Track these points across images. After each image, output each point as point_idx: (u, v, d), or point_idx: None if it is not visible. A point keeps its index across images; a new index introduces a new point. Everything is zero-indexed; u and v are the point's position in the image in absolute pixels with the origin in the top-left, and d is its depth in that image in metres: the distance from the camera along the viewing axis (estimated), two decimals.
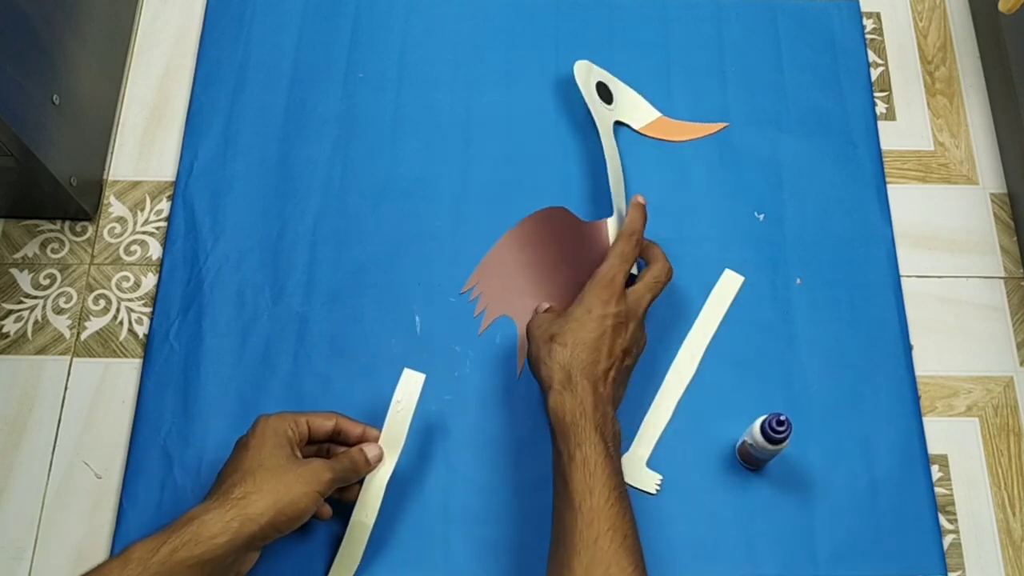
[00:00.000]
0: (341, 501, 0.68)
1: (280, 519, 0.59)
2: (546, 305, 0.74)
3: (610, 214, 0.78)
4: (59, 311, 0.79)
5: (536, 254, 0.79)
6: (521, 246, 0.79)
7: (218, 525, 0.56)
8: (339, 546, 0.68)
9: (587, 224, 0.78)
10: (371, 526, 0.68)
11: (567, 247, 0.78)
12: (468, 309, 0.78)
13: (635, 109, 0.86)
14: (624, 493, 0.60)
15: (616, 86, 0.86)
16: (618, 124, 0.84)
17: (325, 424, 0.67)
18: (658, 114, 0.86)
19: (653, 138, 0.85)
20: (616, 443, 0.63)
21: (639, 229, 0.71)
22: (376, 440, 0.68)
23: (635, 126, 0.85)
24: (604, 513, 0.58)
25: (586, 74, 0.83)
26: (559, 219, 0.80)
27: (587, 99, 0.82)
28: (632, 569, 0.57)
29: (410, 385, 0.68)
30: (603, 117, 0.82)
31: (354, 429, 0.67)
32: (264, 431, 0.63)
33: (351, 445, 0.67)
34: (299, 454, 0.64)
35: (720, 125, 0.85)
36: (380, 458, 0.67)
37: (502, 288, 0.78)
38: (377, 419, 0.73)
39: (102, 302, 0.79)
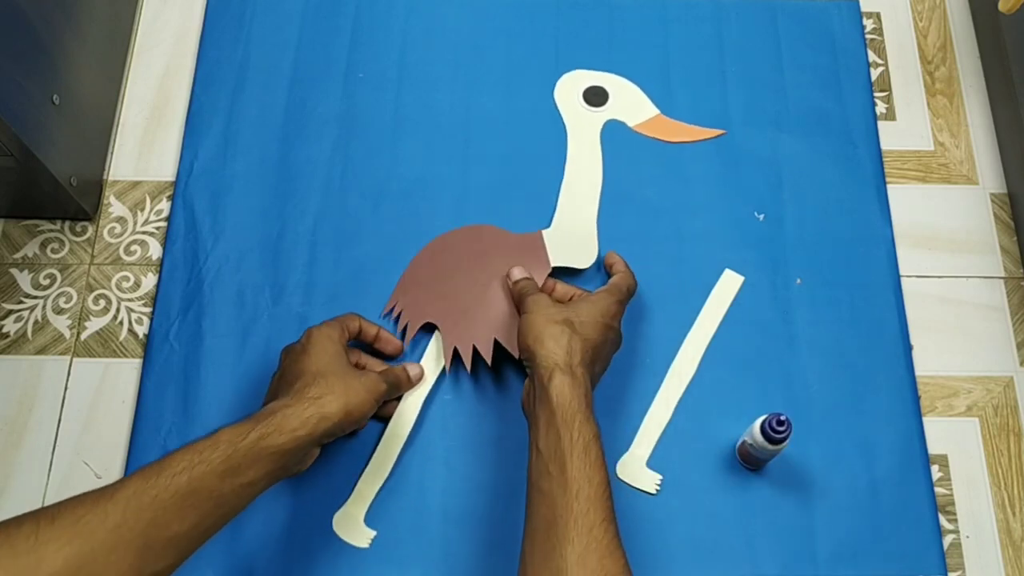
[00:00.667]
0: (377, 416, 0.72)
1: (348, 419, 0.64)
2: (521, 273, 0.74)
3: (545, 225, 0.79)
4: (59, 311, 0.79)
5: (454, 261, 0.78)
6: (436, 257, 0.79)
7: (298, 419, 0.61)
8: (373, 454, 0.72)
9: (519, 236, 0.79)
10: (404, 438, 0.73)
11: (495, 253, 0.78)
12: None
13: (633, 106, 0.86)
14: (610, 486, 0.61)
15: (614, 83, 0.86)
16: (613, 122, 0.85)
17: (370, 330, 0.74)
18: (656, 111, 0.86)
19: (647, 137, 0.85)
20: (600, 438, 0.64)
21: (634, 281, 0.75)
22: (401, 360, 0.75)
23: (630, 123, 0.85)
24: (600, 504, 0.58)
25: (570, 86, 0.85)
26: (480, 233, 0.79)
27: (566, 111, 0.84)
28: (624, 563, 0.57)
29: None
30: (589, 123, 0.83)
31: (393, 341, 0.75)
32: (320, 339, 0.68)
33: (386, 357, 0.75)
34: (351, 364, 0.68)
35: (717, 132, 0.85)
36: (420, 376, 0.74)
37: (419, 299, 0.77)
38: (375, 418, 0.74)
39: (102, 302, 0.79)
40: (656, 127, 0.85)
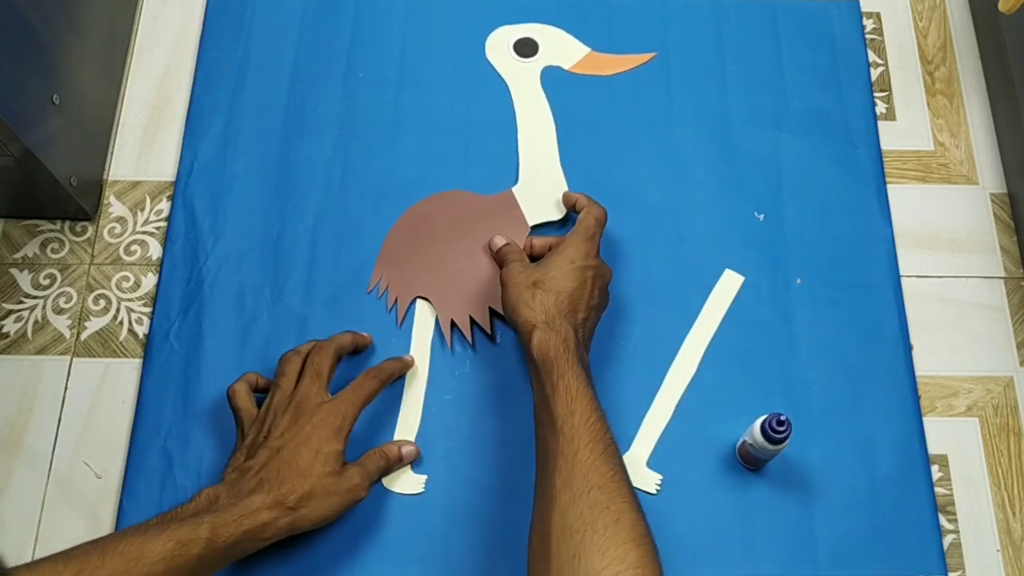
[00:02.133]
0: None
1: (322, 524, 0.66)
2: (501, 240, 0.76)
3: (514, 182, 0.81)
4: (59, 311, 0.79)
5: (432, 230, 0.80)
6: (413, 228, 0.80)
7: (272, 529, 0.63)
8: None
9: (490, 197, 0.81)
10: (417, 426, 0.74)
11: (472, 220, 0.80)
12: None
13: (564, 49, 0.88)
14: (603, 415, 0.62)
15: (540, 32, 0.88)
16: (549, 69, 0.87)
17: (364, 342, 0.75)
18: (587, 50, 0.88)
19: (584, 75, 0.87)
20: (591, 380, 0.65)
21: (600, 210, 0.75)
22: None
23: (565, 66, 0.87)
24: (584, 430, 0.60)
25: (499, 43, 0.87)
26: (452, 199, 0.81)
27: (502, 68, 0.86)
28: (612, 474, 0.58)
29: None
30: (526, 74, 0.86)
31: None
32: (319, 431, 0.66)
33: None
34: (341, 462, 0.67)
35: (648, 56, 0.87)
36: (414, 455, 0.72)
37: (405, 273, 0.78)
38: (377, 419, 0.74)
39: (102, 302, 0.79)
40: (590, 64, 0.87)
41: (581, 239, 0.72)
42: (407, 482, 0.72)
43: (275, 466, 0.65)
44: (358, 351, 0.75)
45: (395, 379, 0.73)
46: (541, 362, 0.64)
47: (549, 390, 0.63)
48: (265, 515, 0.62)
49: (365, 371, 0.71)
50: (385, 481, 0.72)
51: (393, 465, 0.71)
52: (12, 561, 0.69)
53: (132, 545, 0.57)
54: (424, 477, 0.72)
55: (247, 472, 0.65)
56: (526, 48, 0.87)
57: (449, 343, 0.76)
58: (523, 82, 0.86)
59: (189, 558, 0.58)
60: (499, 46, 0.88)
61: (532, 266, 0.72)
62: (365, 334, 0.75)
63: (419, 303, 0.78)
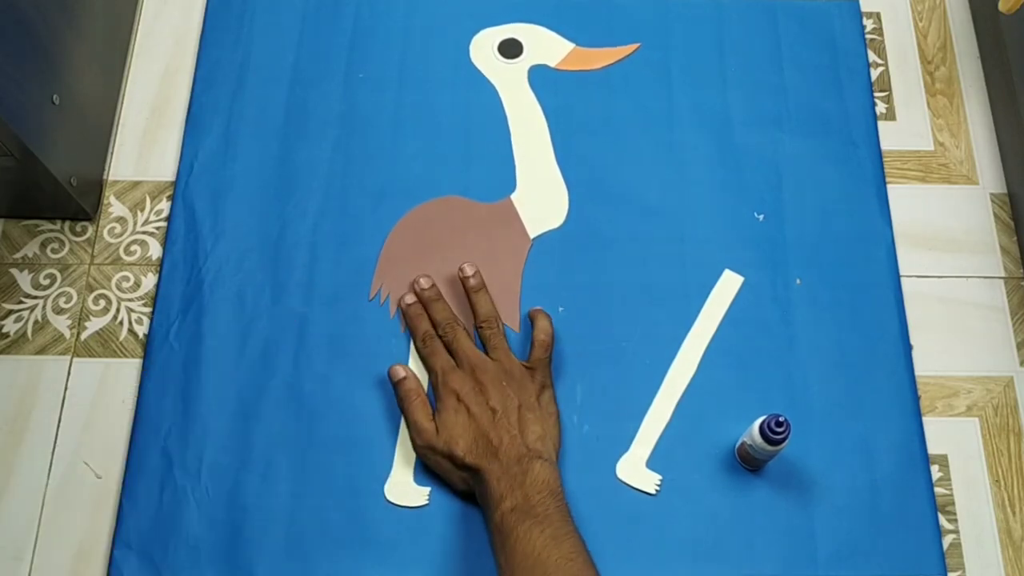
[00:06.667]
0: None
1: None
2: (471, 269, 0.76)
3: (513, 182, 0.80)
4: (59, 311, 0.79)
5: (430, 238, 0.80)
6: (411, 235, 0.80)
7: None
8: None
9: (489, 206, 0.80)
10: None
11: (471, 229, 0.80)
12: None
13: (548, 47, 0.88)
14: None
15: (523, 31, 0.88)
16: (536, 68, 0.87)
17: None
18: (572, 46, 0.87)
19: (571, 71, 0.86)
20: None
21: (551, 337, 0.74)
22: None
23: (552, 64, 0.87)
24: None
25: (483, 46, 0.87)
26: (452, 205, 0.81)
27: (489, 71, 0.86)
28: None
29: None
30: (514, 75, 0.86)
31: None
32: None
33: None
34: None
35: (632, 48, 0.87)
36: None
37: (406, 280, 0.78)
38: (376, 419, 0.74)
39: (102, 302, 0.79)
40: (576, 60, 0.87)
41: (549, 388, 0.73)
42: (410, 494, 0.71)
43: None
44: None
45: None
46: (558, 497, 0.66)
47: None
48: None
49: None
50: (388, 493, 0.71)
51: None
52: (12, 561, 0.70)
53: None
54: (427, 489, 0.72)
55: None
56: (511, 49, 0.87)
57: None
58: (511, 84, 0.86)
59: None
60: (483, 49, 0.87)
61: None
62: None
63: None
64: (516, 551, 0.61)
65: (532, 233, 0.80)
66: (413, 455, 0.72)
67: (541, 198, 0.81)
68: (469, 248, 0.79)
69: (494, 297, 0.77)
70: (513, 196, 0.81)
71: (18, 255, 0.81)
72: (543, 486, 0.64)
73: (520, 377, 0.71)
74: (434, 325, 0.75)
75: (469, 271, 0.76)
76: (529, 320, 0.76)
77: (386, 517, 0.71)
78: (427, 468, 0.71)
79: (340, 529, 0.70)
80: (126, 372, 0.77)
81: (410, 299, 0.76)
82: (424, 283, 0.76)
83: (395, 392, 0.73)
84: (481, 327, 0.74)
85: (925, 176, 0.85)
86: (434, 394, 0.72)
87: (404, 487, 0.72)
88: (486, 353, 0.73)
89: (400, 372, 0.73)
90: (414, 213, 0.81)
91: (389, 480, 0.72)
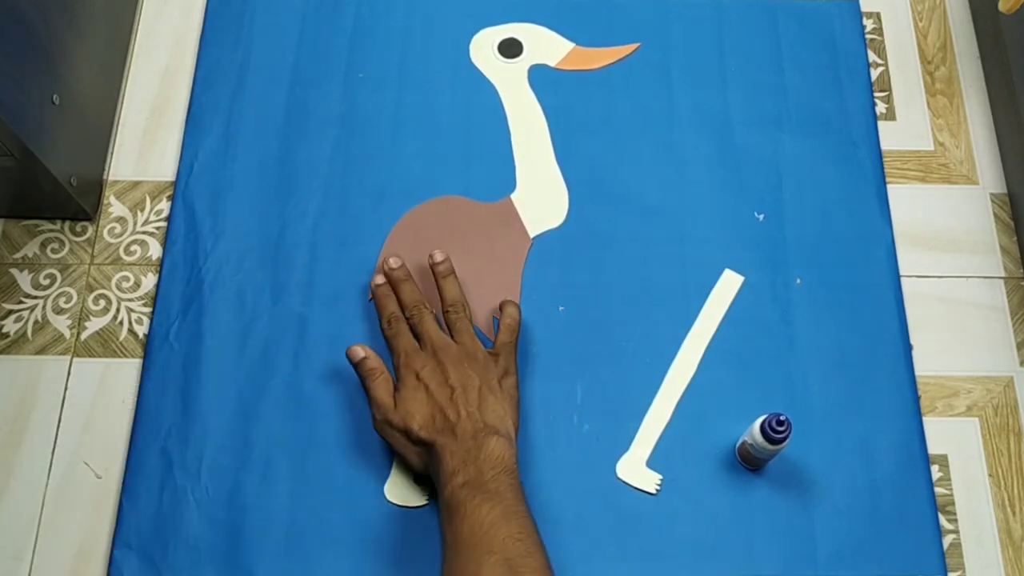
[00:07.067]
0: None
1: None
2: (440, 256, 0.75)
3: (514, 182, 0.80)
4: (59, 311, 0.79)
5: (431, 238, 0.79)
6: (412, 236, 0.80)
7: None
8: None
9: (489, 205, 0.80)
10: None
11: (471, 229, 0.80)
12: None
13: (548, 46, 0.88)
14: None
15: (523, 31, 0.88)
16: (536, 67, 0.87)
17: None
18: (572, 45, 0.88)
19: (571, 70, 0.86)
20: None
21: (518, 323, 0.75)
22: None
23: (551, 63, 0.87)
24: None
25: (483, 46, 0.87)
26: (451, 205, 0.81)
27: (489, 71, 0.86)
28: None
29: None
30: (514, 75, 0.86)
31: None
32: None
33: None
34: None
35: (632, 47, 0.87)
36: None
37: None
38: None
39: (102, 302, 0.79)
40: (576, 59, 0.87)
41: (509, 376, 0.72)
42: (410, 495, 0.72)
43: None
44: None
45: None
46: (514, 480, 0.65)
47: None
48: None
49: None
50: (388, 493, 0.71)
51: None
52: (12, 561, 0.70)
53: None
54: (427, 489, 0.72)
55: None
56: (510, 49, 0.87)
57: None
58: (511, 84, 0.86)
59: None
60: (483, 49, 0.87)
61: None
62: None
63: None
64: (463, 526, 0.60)
65: (532, 232, 0.80)
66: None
67: (541, 198, 0.81)
68: (469, 248, 0.79)
69: (494, 297, 0.77)
70: (513, 196, 0.81)
71: (18, 255, 0.81)
72: (497, 462, 0.63)
73: (484, 360, 0.70)
74: (402, 307, 0.74)
75: (439, 257, 0.75)
76: (498, 309, 0.75)
77: (386, 517, 0.71)
78: (390, 447, 0.71)
79: (340, 529, 0.70)
80: (126, 372, 0.77)
81: (380, 279, 0.76)
82: (393, 263, 0.75)
83: (357, 373, 0.72)
84: (447, 312, 0.74)
85: (925, 176, 0.85)
86: (396, 375, 0.71)
87: (404, 487, 0.72)
88: (452, 338, 0.72)
89: (359, 352, 0.72)
90: (414, 213, 0.81)
91: (389, 480, 0.72)
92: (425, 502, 0.71)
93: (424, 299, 0.75)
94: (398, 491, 0.71)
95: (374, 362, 0.72)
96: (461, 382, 0.68)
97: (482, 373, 0.69)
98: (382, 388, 0.70)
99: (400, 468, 0.72)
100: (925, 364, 0.77)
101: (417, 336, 0.73)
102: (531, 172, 0.82)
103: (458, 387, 0.68)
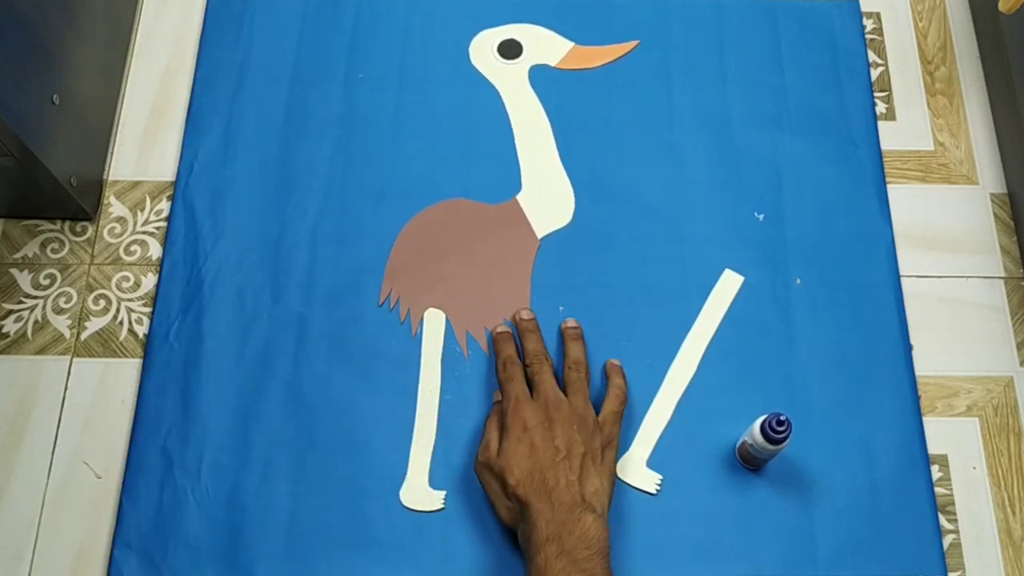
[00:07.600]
0: None
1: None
2: (529, 314, 0.75)
3: (516, 182, 0.81)
4: (59, 311, 0.79)
5: (439, 241, 0.80)
6: (419, 240, 0.80)
7: None
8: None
9: (496, 207, 0.80)
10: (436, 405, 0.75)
11: (479, 232, 0.80)
12: None
13: (548, 46, 0.88)
14: None
15: (522, 31, 0.88)
16: (536, 68, 0.87)
17: None
18: (571, 45, 0.88)
19: (571, 70, 0.86)
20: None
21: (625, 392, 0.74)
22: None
23: (552, 63, 0.87)
24: None
25: (483, 47, 0.87)
26: (459, 208, 0.81)
27: (489, 73, 0.86)
28: None
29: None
30: (513, 75, 0.86)
31: None
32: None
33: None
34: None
35: (631, 45, 0.87)
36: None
37: (416, 284, 0.78)
38: (380, 421, 0.74)
39: (102, 302, 0.79)
40: (576, 59, 0.87)
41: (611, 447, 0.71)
42: (426, 499, 0.71)
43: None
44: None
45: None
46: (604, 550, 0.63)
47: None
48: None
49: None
50: (403, 498, 0.71)
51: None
52: (12, 561, 0.70)
53: None
54: (443, 493, 0.72)
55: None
56: (510, 49, 0.87)
57: (466, 354, 0.76)
58: (512, 84, 0.86)
59: None
60: (483, 51, 0.87)
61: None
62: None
63: (427, 314, 0.77)
64: None
65: (540, 233, 0.80)
66: (428, 459, 0.72)
67: (548, 198, 0.81)
68: (477, 250, 0.79)
69: (503, 298, 0.77)
70: (519, 196, 0.81)
71: (18, 255, 0.81)
72: (593, 542, 0.62)
73: (592, 426, 0.69)
74: (524, 354, 0.74)
75: (572, 323, 0.76)
76: (604, 375, 0.75)
77: (386, 517, 0.71)
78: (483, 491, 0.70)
79: (340, 529, 0.70)
80: (126, 372, 0.77)
81: (503, 328, 0.76)
82: (525, 315, 0.76)
83: (496, 352, 0.73)
84: (569, 368, 0.73)
85: (925, 176, 0.85)
86: (504, 421, 0.70)
87: (420, 491, 0.71)
88: (566, 395, 0.71)
89: (514, 356, 0.73)
90: (421, 216, 0.81)
91: (404, 484, 0.72)
92: (441, 506, 0.71)
93: (547, 352, 0.74)
94: (414, 495, 0.71)
95: (516, 360, 0.73)
96: (567, 446, 0.66)
97: (588, 440, 0.68)
98: (495, 427, 0.70)
99: (416, 472, 0.72)
100: (925, 364, 0.77)
101: (532, 385, 0.72)
102: (536, 172, 0.82)
103: (563, 450, 0.66)
